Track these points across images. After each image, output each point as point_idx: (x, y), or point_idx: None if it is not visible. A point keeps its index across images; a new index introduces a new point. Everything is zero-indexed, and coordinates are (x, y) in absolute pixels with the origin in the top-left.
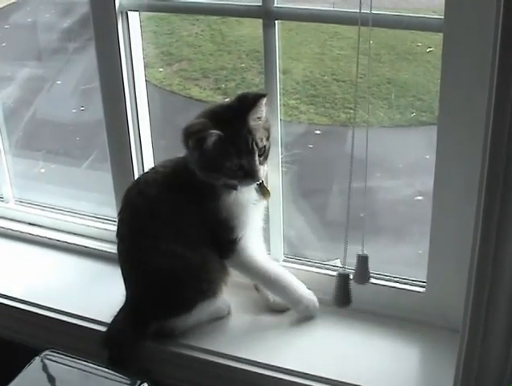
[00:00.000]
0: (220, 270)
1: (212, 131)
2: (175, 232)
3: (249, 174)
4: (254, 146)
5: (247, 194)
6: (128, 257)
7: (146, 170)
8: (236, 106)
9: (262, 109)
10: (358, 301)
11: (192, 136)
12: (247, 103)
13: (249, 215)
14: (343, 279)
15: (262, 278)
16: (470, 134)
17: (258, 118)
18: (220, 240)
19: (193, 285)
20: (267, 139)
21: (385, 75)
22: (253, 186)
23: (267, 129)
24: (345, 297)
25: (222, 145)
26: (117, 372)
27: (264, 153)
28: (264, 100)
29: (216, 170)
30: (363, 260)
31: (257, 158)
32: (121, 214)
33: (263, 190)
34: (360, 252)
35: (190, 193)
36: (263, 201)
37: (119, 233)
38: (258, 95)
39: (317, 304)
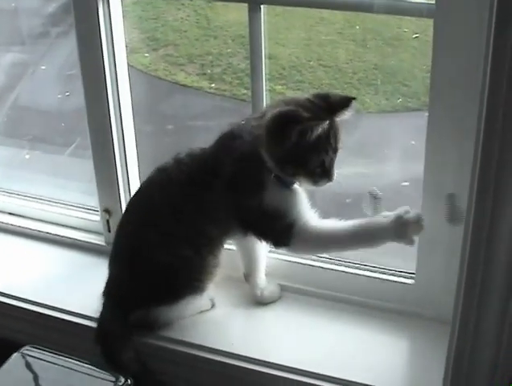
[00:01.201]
0: (213, 272)
1: (325, 123)
2: (187, 234)
3: (326, 174)
4: (338, 146)
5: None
6: (129, 242)
7: (128, 158)
8: (322, 103)
9: (351, 112)
10: (346, 292)
11: (302, 123)
12: (337, 102)
13: (299, 200)
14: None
15: (338, 242)
16: (461, 119)
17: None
18: (274, 231)
19: (186, 281)
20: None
21: (371, 61)
22: None
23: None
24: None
25: (318, 140)
26: (112, 366)
27: (337, 156)
28: (355, 104)
29: (301, 164)
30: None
31: (336, 158)
32: (135, 201)
33: None
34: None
35: (222, 187)
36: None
37: (127, 216)
38: (348, 97)
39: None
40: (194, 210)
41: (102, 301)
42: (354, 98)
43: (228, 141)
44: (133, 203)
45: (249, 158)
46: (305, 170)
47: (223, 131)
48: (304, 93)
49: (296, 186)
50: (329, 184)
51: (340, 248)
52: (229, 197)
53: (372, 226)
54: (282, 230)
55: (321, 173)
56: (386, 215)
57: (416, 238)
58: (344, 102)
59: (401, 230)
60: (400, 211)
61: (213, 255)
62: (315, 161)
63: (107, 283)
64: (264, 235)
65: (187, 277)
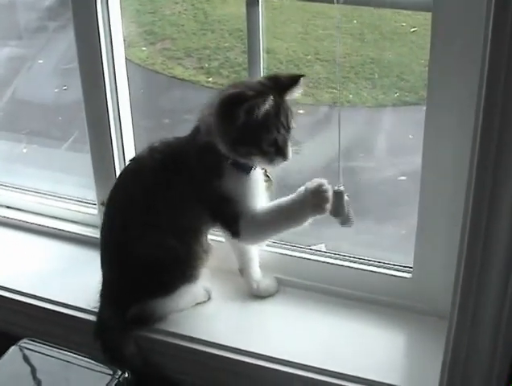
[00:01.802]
0: (204, 257)
1: (269, 98)
2: (167, 223)
3: (281, 152)
4: (290, 125)
5: (255, 175)
6: (113, 238)
7: (126, 152)
8: (270, 84)
9: (300, 90)
10: (343, 286)
11: (247, 101)
12: (286, 81)
13: (255, 190)
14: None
15: (271, 225)
16: (459, 113)
17: (292, 98)
18: (225, 217)
19: (176, 271)
20: (294, 121)
21: (368, 55)
22: (261, 171)
23: (293, 111)
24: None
25: (267, 117)
26: (114, 362)
27: (291, 135)
28: (303, 80)
29: (253, 144)
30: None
31: (290, 137)
32: (113, 195)
33: (268, 179)
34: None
35: (191, 176)
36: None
37: (107, 211)
38: (297, 74)
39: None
40: (168, 198)
41: (99, 301)
42: (302, 75)
43: (194, 130)
44: (110, 198)
45: (205, 146)
46: (258, 150)
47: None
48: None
49: (255, 173)
50: (285, 163)
51: (274, 232)
52: (194, 185)
53: (289, 203)
54: (231, 218)
55: (275, 152)
56: (298, 190)
57: (327, 208)
58: (293, 80)
59: (313, 201)
60: (307, 183)
61: (198, 242)
62: (266, 139)
63: (101, 283)
64: (222, 223)
65: (176, 267)
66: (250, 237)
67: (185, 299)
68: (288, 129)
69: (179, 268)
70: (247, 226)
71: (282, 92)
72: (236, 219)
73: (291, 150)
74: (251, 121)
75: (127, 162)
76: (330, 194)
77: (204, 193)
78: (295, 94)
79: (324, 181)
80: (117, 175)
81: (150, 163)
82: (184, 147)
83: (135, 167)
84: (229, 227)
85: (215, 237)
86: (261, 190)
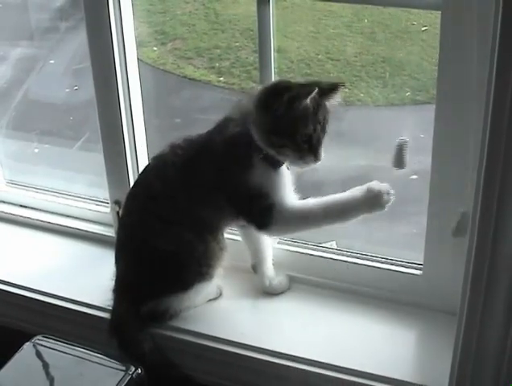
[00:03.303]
0: (220, 255)
1: (312, 89)
2: (187, 219)
3: (314, 150)
4: (326, 127)
5: (283, 170)
6: (132, 233)
7: (138, 151)
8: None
9: (338, 98)
10: (355, 283)
11: (292, 90)
12: (326, 86)
13: (284, 182)
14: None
15: (319, 219)
16: (468, 113)
17: (330, 105)
18: (254, 211)
19: (193, 268)
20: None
21: (379, 54)
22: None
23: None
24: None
25: (306, 112)
26: (132, 359)
27: (325, 138)
28: (343, 89)
29: (288, 134)
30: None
31: (324, 139)
32: (133, 191)
33: None
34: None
35: (214, 170)
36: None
37: (127, 207)
38: (337, 82)
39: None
40: (189, 193)
41: (113, 297)
42: (343, 84)
43: (222, 123)
44: (131, 193)
45: (239, 137)
46: (292, 143)
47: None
48: None
49: (283, 168)
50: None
51: (317, 225)
52: (219, 178)
53: (345, 199)
54: (263, 210)
55: (308, 149)
56: (357, 189)
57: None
58: (334, 87)
59: (374, 200)
60: (370, 184)
61: (216, 240)
62: (302, 133)
63: (115, 279)
64: (248, 216)
65: (193, 264)
66: (284, 230)
67: (200, 296)
68: (324, 129)
69: (196, 265)
70: (281, 218)
71: (322, 96)
72: (266, 212)
73: (323, 152)
74: (291, 111)
75: (148, 161)
76: (392, 198)
77: (230, 186)
78: (334, 102)
79: (388, 186)
80: (137, 173)
81: (173, 159)
82: (209, 142)
83: (157, 164)
84: (258, 219)
85: (227, 235)
86: (290, 184)
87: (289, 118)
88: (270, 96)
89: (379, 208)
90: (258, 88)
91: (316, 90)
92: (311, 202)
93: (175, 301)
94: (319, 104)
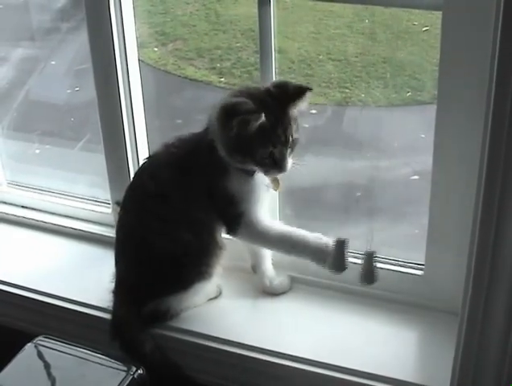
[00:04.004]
0: (218, 254)
1: (260, 115)
2: (183, 217)
3: (277, 165)
4: (290, 138)
5: (259, 179)
6: (130, 233)
7: (139, 151)
8: (276, 93)
9: (305, 103)
10: (355, 283)
11: (239, 115)
12: (291, 92)
13: (257, 194)
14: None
15: (274, 242)
16: (469, 112)
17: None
18: (226, 215)
19: (192, 268)
20: (297, 131)
21: (380, 55)
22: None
23: (297, 122)
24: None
25: (262, 132)
26: (134, 359)
27: (293, 146)
28: (310, 94)
29: (248, 154)
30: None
31: (288, 149)
32: (129, 191)
33: (275, 182)
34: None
35: (202, 172)
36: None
37: (124, 207)
38: (304, 87)
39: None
40: (182, 192)
41: (113, 299)
42: (310, 88)
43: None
44: (127, 194)
45: (214, 145)
46: (253, 160)
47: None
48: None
49: (259, 176)
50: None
51: (270, 248)
52: (205, 181)
53: (300, 240)
54: (233, 217)
55: (271, 164)
56: (318, 237)
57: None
58: (299, 92)
59: (320, 255)
60: (328, 240)
61: (214, 239)
62: (261, 152)
63: (115, 281)
64: (221, 217)
65: (192, 264)
66: (247, 239)
67: (200, 296)
68: (286, 142)
69: (195, 264)
70: (247, 228)
71: (286, 103)
72: (236, 219)
73: (289, 163)
74: (245, 133)
75: (142, 161)
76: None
77: (212, 189)
78: (301, 106)
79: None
80: (133, 174)
81: (166, 158)
82: (198, 143)
83: (151, 162)
84: (228, 223)
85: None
86: (264, 194)
87: (244, 140)
88: (222, 116)
89: (321, 264)
90: (221, 100)
91: (263, 116)
92: (275, 227)
93: (175, 301)
94: (278, 118)
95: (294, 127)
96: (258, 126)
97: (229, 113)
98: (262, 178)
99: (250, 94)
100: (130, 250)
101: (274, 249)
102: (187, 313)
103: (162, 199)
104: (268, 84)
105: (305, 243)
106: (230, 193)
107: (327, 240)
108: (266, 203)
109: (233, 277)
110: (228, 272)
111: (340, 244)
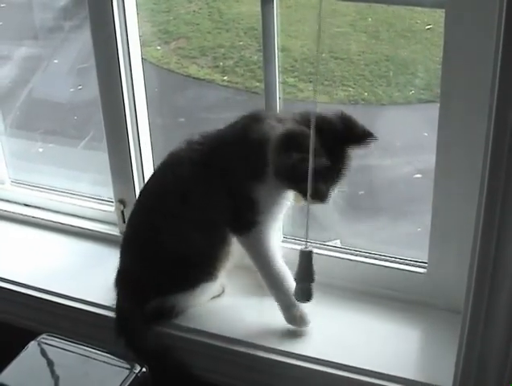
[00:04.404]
0: (226, 257)
1: (321, 159)
2: (199, 218)
3: (320, 198)
4: (341, 176)
5: (288, 195)
6: (142, 228)
7: (142, 150)
8: (341, 129)
9: (366, 150)
10: (358, 282)
11: (300, 152)
12: (357, 135)
13: (280, 210)
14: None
15: (264, 268)
16: (472, 111)
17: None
18: (241, 217)
19: (201, 268)
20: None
21: (383, 53)
22: None
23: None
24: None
25: (318, 169)
26: (138, 357)
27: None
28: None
29: (296, 182)
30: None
31: (335, 185)
32: (146, 187)
33: (299, 198)
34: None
35: (231, 170)
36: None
37: (138, 204)
38: (369, 134)
39: (306, 318)
40: (201, 190)
41: (116, 293)
42: (375, 138)
43: (245, 122)
44: (145, 189)
45: (259, 146)
46: (299, 189)
47: (244, 114)
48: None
49: (288, 194)
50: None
51: (257, 269)
52: (228, 179)
53: (280, 290)
54: (247, 221)
55: (315, 195)
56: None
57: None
58: (365, 138)
59: (285, 311)
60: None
61: (225, 241)
62: (309, 187)
63: (120, 273)
64: (234, 218)
65: (200, 263)
66: (245, 247)
67: (204, 295)
68: (337, 181)
69: (204, 265)
70: (252, 239)
71: (348, 144)
72: (249, 225)
73: (331, 196)
74: (299, 168)
75: (151, 160)
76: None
77: (236, 189)
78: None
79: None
80: (142, 172)
81: (188, 154)
82: (228, 139)
83: (172, 159)
84: (238, 224)
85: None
86: (283, 212)
87: (297, 173)
88: (286, 146)
89: (284, 315)
90: (289, 121)
91: (324, 160)
92: (273, 258)
93: (180, 300)
94: (338, 157)
95: (345, 166)
96: (312, 164)
97: (290, 145)
98: (289, 194)
99: (318, 124)
100: (140, 245)
101: (257, 268)
102: (190, 311)
103: (180, 196)
104: (333, 114)
105: (282, 293)
106: (255, 199)
107: (299, 305)
108: (279, 224)
109: (235, 275)
110: (230, 269)
111: (307, 255)
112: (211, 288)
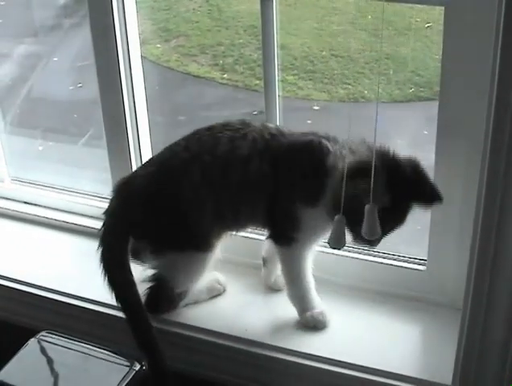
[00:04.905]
0: (222, 233)
1: (384, 202)
2: (229, 196)
3: (369, 243)
4: (397, 226)
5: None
6: (175, 165)
7: (142, 147)
8: (408, 179)
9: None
10: (359, 279)
11: (367, 191)
12: (424, 195)
13: (321, 231)
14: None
15: (292, 282)
16: (471, 109)
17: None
18: (282, 231)
19: (194, 235)
20: None
21: (383, 51)
22: None
23: None
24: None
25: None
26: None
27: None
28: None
29: (352, 220)
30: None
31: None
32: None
33: None
34: None
35: (282, 176)
36: None
37: (188, 147)
38: (438, 197)
39: (325, 321)
40: (245, 181)
41: (106, 222)
42: (441, 202)
43: (318, 147)
44: (195, 135)
45: (333, 171)
46: (350, 227)
47: (314, 132)
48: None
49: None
50: None
51: (285, 279)
52: (280, 186)
53: (303, 299)
54: (287, 237)
55: (364, 240)
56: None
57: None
58: (428, 199)
59: (308, 323)
60: (317, 310)
61: (222, 231)
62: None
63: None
64: (273, 228)
65: (199, 228)
66: (280, 258)
67: (192, 267)
68: (391, 228)
69: (199, 231)
70: (288, 253)
71: (412, 200)
72: (288, 241)
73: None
74: (359, 208)
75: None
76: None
77: (283, 199)
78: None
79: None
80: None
81: (268, 144)
82: (301, 150)
83: (233, 138)
84: (277, 237)
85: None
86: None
87: (354, 207)
88: (352, 173)
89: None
90: (364, 154)
91: (392, 212)
92: (301, 273)
93: (166, 260)
94: (400, 211)
95: (406, 217)
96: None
97: (360, 180)
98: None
99: (388, 166)
100: (155, 191)
101: (284, 279)
102: (190, 309)
103: (223, 166)
104: (405, 158)
105: (304, 302)
106: (298, 217)
107: (320, 315)
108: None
109: (236, 273)
110: (232, 268)
111: (340, 221)
112: (201, 261)
